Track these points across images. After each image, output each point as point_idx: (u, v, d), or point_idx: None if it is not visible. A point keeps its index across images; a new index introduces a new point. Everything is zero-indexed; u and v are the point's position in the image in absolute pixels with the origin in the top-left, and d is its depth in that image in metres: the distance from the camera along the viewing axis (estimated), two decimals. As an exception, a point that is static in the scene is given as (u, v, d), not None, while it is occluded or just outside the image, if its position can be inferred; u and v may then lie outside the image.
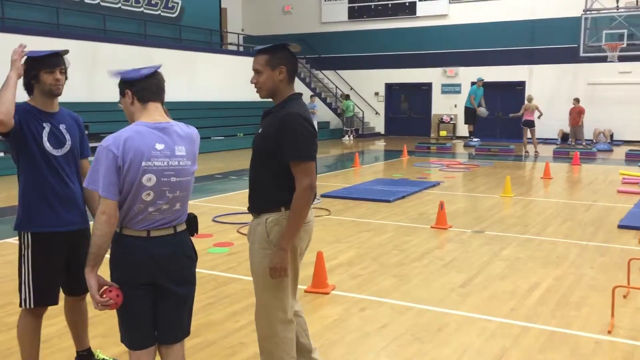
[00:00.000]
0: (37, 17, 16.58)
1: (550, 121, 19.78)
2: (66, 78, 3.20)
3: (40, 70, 3.08)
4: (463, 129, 22.59)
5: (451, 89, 23.74)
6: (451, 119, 23.46)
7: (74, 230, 3.23)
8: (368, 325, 4.33)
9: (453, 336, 4.13)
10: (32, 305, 3.17)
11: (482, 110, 19.62)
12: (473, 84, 19.84)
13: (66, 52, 3.19)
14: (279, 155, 2.85)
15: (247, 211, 3.11)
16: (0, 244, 6.79)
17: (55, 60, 3.11)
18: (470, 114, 19.98)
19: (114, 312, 2.66)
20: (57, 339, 4.03)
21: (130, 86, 2.64)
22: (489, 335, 4.14)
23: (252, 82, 2.96)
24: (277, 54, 2.92)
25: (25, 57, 3.09)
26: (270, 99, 3.02)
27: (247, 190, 3.10)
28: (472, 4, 23.06)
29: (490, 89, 21.69)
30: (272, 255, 2.85)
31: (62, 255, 3.20)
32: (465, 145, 20.14)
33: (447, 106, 23.79)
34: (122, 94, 2.68)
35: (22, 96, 3.13)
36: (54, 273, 3.19)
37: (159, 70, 2.71)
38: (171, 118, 2.75)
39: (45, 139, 3.11)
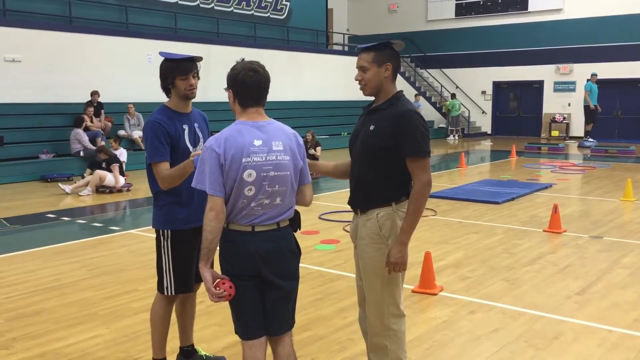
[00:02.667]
0: (157, 22, 17.62)
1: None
2: (198, 78, 3.36)
3: (176, 76, 3.26)
4: (577, 129, 21.44)
5: (565, 86, 22.58)
6: (564, 118, 22.30)
7: None
8: (478, 329, 4.23)
9: (571, 345, 3.94)
10: (173, 293, 3.37)
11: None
12: (588, 80, 18.81)
13: (200, 59, 3.35)
14: (394, 151, 2.86)
15: (351, 208, 3.13)
16: (124, 235, 7.29)
17: (188, 66, 3.27)
18: (588, 112, 18.87)
19: (227, 303, 2.77)
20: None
21: (232, 86, 2.71)
22: (611, 347, 3.91)
23: (356, 80, 2.99)
24: (382, 51, 2.94)
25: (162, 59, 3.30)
26: (373, 97, 3.04)
27: (349, 188, 3.12)
28: (590, -4, 21.83)
29: (609, 86, 20.44)
30: (392, 250, 2.87)
31: (197, 245, 3.32)
32: (580, 146, 19.10)
33: (560, 105, 22.65)
34: (228, 88, 2.75)
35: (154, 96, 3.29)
36: (191, 262, 3.37)
37: (260, 70, 2.71)
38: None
39: (186, 138, 3.30)
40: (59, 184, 10.41)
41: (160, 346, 3.45)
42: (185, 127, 3.32)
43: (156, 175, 3.22)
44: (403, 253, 2.86)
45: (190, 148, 3.32)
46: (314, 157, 13.80)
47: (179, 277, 3.35)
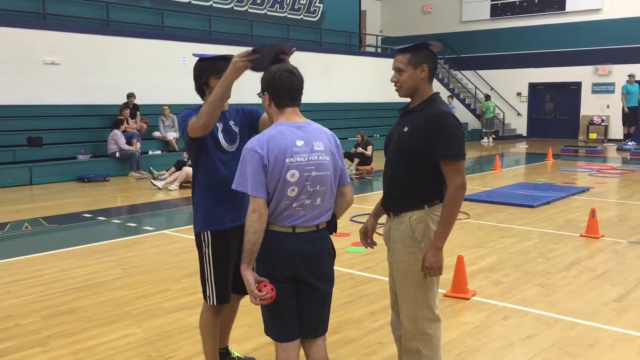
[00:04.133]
0: (192, 25, 17.82)
1: None
2: None
3: (210, 75, 3.26)
4: (616, 132, 20.92)
5: (603, 88, 22.06)
6: (603, 120, 21.78)
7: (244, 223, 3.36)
8: (512, 335, 4.14)
9: (607, 353, 3.83)
10: (215, 303, 3.30)
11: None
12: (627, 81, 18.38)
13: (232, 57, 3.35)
14: (427, 153, 2.83)
15: (384, 210, 3.10)
16: (157, 235, 7.38)
17: (222, 65, 3.23)
18: (629, 115, 18.41)
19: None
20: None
21: (268, 87, 2.72)
22: (650, 356, 3.79)
23: (392, 81, 2.96)
24: (419, 52, 2.91)
25: (197, 60, 3.29)
26: (408, 99, 3.00)
27: (382, 190, 3.09)
28: (631, -5, 21.28)
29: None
30: (427, 254, 2.83)
31: (237, 248, 3.25)
32: (619, 149, 18.64)
33: (599, 107, 22.13)
34: (262, 92, 2.75)
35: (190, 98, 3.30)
36: (231, 268, 3.30)
37: (295, 71, 2.72)
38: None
39: (220, 136, 3.26)
40: (151, 181, 11.21)
41: (213, 355, 3.41)
42: (220, 124, 3.27)
43: (191, 125, 3.07)
44: (438, 257, 2.82)
45: (225, 145, 3.25)
46: (363, 155, 13.88)
47: (220, 285, 3.28)
